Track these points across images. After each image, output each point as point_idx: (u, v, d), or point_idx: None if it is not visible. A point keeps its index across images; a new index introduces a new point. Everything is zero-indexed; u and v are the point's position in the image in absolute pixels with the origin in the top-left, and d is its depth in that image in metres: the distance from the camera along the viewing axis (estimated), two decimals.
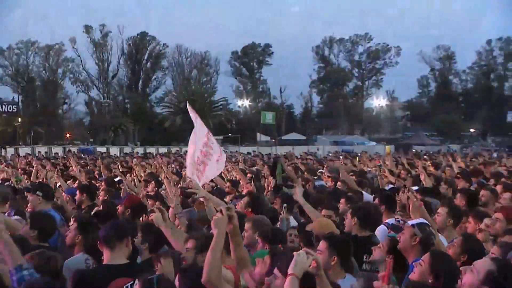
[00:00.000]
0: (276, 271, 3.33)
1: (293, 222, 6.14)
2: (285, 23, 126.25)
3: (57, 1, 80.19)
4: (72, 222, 5.57)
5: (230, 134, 64.48)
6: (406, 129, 79.82)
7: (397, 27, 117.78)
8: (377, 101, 77.39)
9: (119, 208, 7.23)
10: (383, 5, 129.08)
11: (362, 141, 64.87)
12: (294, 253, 3.07)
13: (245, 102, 71.93)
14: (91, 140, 67.35)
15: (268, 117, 62.52)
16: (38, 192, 7.27)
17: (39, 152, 38.60)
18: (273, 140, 64.13)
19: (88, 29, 72.72)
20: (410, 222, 4.74)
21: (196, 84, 77.15)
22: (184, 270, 3.58)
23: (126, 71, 77.36)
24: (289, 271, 2.96)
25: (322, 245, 3.96)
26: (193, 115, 7.22)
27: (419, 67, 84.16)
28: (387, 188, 9.68)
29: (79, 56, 74.04)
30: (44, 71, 75.16)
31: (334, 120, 79.18)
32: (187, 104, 8.02)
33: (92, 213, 6.81)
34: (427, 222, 4.78)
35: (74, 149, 44.17)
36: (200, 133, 7.32)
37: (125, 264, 4.12)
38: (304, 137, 68.72)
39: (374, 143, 62.46)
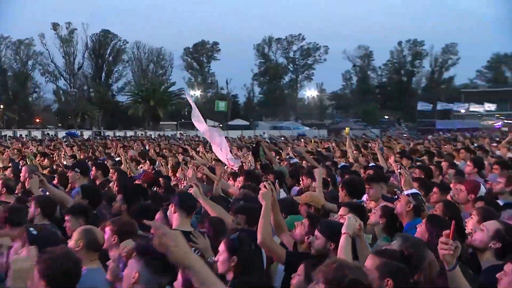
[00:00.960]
0: (317, 232, 3.72)
1: (283, 194, 6.72)
2: (231, 23, 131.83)
3: None
4: (117, 194, 6.07)
5: (183, 120, 67.54)
6: (332, 116, 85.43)
7: (325, 29, 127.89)
8: (309, 92, 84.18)
9: (137, 182, 7.66)
10: (316, 9, 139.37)
11: (296, 126, 68.96)
12: (345, 216, 3.54)
13: (197, 92, 73.79)
14: (60, 124, 68.45)
15: (221, 106, 66.96)
16: (76, 169, 7.75)
17: (20, 135, 40.19)
18: (221, 125, 66.37)
19: (55, 26, 75.84)
20: (405, 192, 5.18)
21: (153, 76, 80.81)
22: (242, 231, 3.84)
23: (91, 64, 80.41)
24: (343, 230, 3.32)
25: (343, 211, 4.17)
26: (192, 104, 9.18)
27: (343, 63, 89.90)
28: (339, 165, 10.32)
29: (47, 50, 76.80)
30: (15, 63, 77.54)
31: (272, 108, 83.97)
32: (186, 95, 11.21)
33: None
34: (419, 192, 5.31)
35: (61, 133, 45.69)
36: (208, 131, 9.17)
37: (189, 231, 4.16)
38: (247, 123, 72.11)
39: (307, 127, 65.73)
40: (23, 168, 8.26)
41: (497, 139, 22.23)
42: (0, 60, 77.02)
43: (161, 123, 69.09)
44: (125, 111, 72.49)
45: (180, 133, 47.41)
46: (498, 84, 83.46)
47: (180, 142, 27.12)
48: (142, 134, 45.30)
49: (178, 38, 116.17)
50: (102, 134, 45.32)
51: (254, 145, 13.23)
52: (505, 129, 51.39)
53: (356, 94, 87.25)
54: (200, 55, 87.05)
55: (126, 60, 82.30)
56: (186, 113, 71.48)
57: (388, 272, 2.75)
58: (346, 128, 39.36)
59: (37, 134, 43.78)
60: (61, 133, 45.33)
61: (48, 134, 43.44)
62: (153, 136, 40.54)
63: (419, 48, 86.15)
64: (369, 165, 9.36)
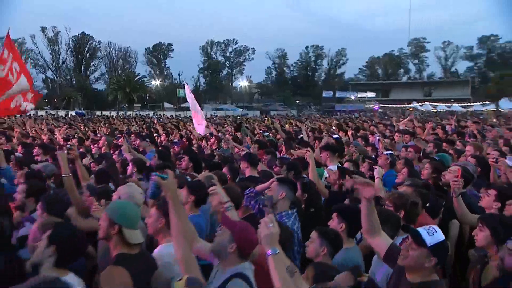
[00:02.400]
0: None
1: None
2: (182, 28, 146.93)
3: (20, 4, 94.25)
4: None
5: (145, 103, 76.41)
6: (258, 101, 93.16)
7: (253, 35, 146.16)
8: (241, 83, 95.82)
9: (176, 148, 8.46)
10: (246, 19, 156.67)
11: (233, 108, 76.40)
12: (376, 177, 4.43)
13: (156, 82, 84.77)
14: (48, 106, 69.97)
15: (181, 92, 69.91)
16: (146, 139, 8.67)
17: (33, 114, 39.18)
18: (175, 107, 75.47)
19: (43, 29, 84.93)
20: (385, 153, 6.46)
21: (126, 69, 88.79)
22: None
23: (72, 59, 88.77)
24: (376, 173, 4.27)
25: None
26: (188, 91, 11.02)
27: (266, 61, 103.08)
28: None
29: (37, 47, 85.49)
30: None
31: (214, 94, 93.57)
32: (185, 85, 12.24)
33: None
34: (392, 152, 6.70)
35: (72, 112, 50.05)
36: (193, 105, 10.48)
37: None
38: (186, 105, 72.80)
39: (240, 109, 72.65)
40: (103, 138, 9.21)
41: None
42: None
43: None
44: (99, 95, 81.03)
45: (154, 113, 52.83)
46: (373, 78, 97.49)
47: (161, 120, 28.70)
48: (122, 114, 48.81)
49: (141, 39, 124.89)
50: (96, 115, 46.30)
51: (236, 124, 14.92)
52: (381, 110, 63.19)
53: (275, 84, 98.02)
54: (158, 53, 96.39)
55: (100, 57, 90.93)
56: (147, 97, 79.76)
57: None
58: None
59: (41, 113, 45.59)
60: (62, 113, 48.54)
61: (50, 113, 45.60)
62: (131, 116, 43.04)
63: (320, 51, 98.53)
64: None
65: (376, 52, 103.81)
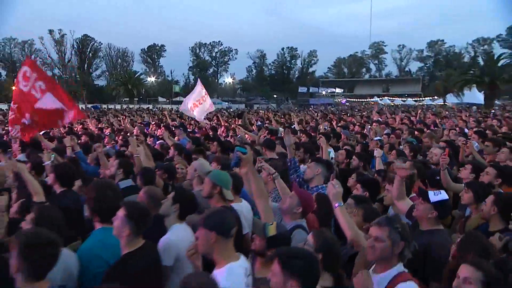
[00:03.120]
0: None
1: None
2: (174, 31, 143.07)
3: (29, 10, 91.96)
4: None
5: (141, 97, 73.42)
6: (240, 95, 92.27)
7: (236, 37, 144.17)
8: (226, 79, 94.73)
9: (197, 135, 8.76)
10: (230, 23, 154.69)
11: (219, 101, 69.48)
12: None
13: (151, 79, 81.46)
14: None
15: (177, 88, 78.07)
16: (180, 128, 9.15)
17: None
18: (168, 100, 73.72)
19: (51, 31, 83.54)
20: (375, 138, 7.11)
21: (121, 68, 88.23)
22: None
23: (77, 59, 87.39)
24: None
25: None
26: (200, 86, 11.14)
27: (247, 61, 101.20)
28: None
29: (45, 48, 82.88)
30: (22, 57, 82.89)
31: None
32: (198, 80, 12.27)
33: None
34: (381, 138, 7.27)
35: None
36: (198, 94, 10.58)
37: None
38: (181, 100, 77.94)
39: (225, 103, 68.97)
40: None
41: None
42: (11, 55, 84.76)
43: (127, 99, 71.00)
44: (100, 91, 78.75)
45: (153, 106, 52.33)
46: (340, 76, 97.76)
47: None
48: (127, 107, 48.06)
49: (137, 41, 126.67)
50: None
51: (239, 113, 15.07)
52: (348, 104, 63.88)
53: (255, 81, 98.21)
54: (152, 53, 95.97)
55: (101, 56, 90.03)
56: (143, 92, 76.55)
57: None
58: None
59: None
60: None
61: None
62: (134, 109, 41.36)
63: (294, 52, 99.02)
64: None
65: (342, 53, 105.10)
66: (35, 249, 2.19)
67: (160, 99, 77.48)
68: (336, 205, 3.08)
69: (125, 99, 73.95)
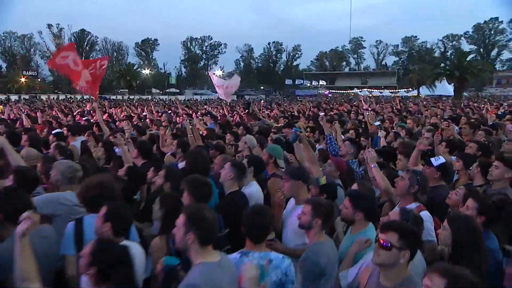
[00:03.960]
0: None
1: None
2: (166, 26, 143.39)
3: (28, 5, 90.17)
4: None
5: (135, 88, 71.41)
6: None
7: (225, 32, 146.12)
8: (216, 72, 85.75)
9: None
10: (220, 19, 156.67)
11: (210, 92, 71.43)
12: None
13: (146, 71, 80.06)
14: (56, 91, 70.23)
15: (173, 80, 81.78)
16: (208, 114, 10.25)
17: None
18: (161, 91, 75.54)
19: (49, 26, 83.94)
20: (375, 124, 7.66)
21: (117, 61, 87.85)
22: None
23: None
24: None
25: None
26: (213, 77, 12.62)
27: (236, 54, 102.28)
28: None
29: (44, 41, 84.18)
30: (21, 50, 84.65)
31: (193, 81, 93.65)
32: (210, 73, 15.03)
33: None
34: (380, 123, 8.14)
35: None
36: (218, 82, 11.91)
37: None
38: (178, 90, 78.17)
39: (216, 94, 68.86)
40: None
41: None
42: (11, 48, 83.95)
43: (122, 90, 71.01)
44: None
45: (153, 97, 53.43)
46: (322, 69, 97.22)
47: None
48: (128, 97, 50.35)
49: (131, 35, 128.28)
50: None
51: (246, 103, 15.09)
52: (330, 95, 62.60)
53: (243, 73, 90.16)
54: (146, 47, 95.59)
55: (98, 49, 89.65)
56: (138, 83, 75.72)
57: None
58: None
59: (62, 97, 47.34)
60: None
61: (76, 97, 46.43)
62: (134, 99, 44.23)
63: (279, 46, 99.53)
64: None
65: (324, 48, 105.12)
66: (203, 218, 2.30)
67: (154, 90, 77.57)
68: (372, 166, 4.06)
69: (121, 90, 73.42)
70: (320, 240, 2.90)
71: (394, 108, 15.03)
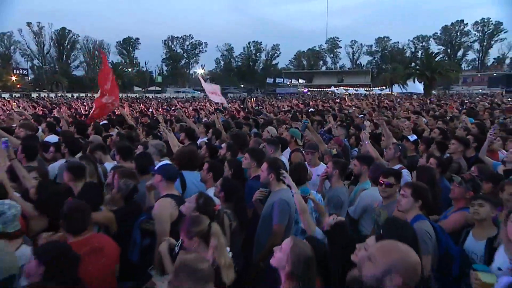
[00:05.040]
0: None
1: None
2: (147, 25, 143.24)
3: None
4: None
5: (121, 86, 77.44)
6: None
7: (206, 31, 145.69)
8: (198, 70, 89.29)
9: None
10: (201, 18, 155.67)
11: (191, 90, 76.06)
12: None
13: (129, 70, 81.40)
14: (37, 89, 68.11)
15: (159, 79, 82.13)
16: (217, 111, 10.81)
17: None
18: (143, 89, 75.70)
19: (29, 24, 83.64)
20: (360, 116, 10.90)
21: (98, 59, 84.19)
22: None
23: (55, 50, 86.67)
24: None
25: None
26: (202, 82, 12.77)
27: (216, 53, 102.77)
28: None
29: (24, 39, 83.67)
30: (1, 47, 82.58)
31: (174, 80, 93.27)
32: (201, 80, 13.44)
33: None
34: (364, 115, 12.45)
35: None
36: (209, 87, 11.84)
37: None
38: (160, 89, 79.42)
39: (198, 92, 69.64)
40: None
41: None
42: None
43: None
44: (79, 80, 78.59)
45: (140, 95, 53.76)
46: (299, 68, 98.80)
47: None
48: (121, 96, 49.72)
49: (113, 33, 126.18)
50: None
51: (241, 100, 16.35)
52: (309, 93, 66.08)
53: (223, 72, 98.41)
54: (128, 45, 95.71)
55: (79, 48, 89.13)
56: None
57: None
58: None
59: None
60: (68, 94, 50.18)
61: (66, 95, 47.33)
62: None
63: (259, 46, 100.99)
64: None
65: (302, 47, 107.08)
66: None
67: (136, 88, 77.81)
68: (367, 142, 5.80)
69: None
70: (337, 186, 4.60)
71: (373, 104, 17.00)
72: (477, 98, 24.75)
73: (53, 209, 2.93)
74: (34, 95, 48.12)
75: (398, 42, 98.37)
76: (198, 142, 6.81)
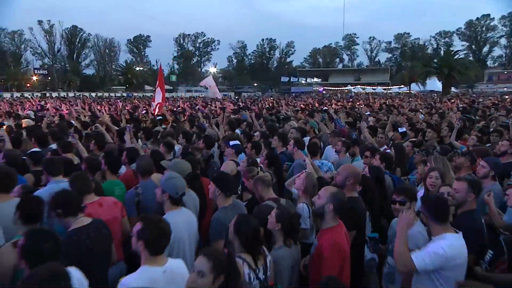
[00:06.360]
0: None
1: None
2: (159, 22, 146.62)
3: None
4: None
5: (127, 86, 72.89)
6: (224, 84, 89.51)
7: (218, 28, 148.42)
8: (210, 69, 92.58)
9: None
10: (212, 15, 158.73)
11: (204, 90, 66.72)
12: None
13: (138, 68, 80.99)
14: (48, 88, 69.96)
15: (173, 78, 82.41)
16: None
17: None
18: (154, 89, 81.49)
19: (40, 22, 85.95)
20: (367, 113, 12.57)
21: (109, 57, 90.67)
22: None
23: (66, 48, 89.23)
24: None
25: None
26: (206, 80, 16.50)
27: (229, 51, 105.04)
28: None
29: (35, 38, 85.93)
30: (12, 47, 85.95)
31: (186, 78, 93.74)
32: (205, 82, 15.57)
33: None
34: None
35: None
36: (210, 82, 15.68)
37: None
38: (172, 88, 73.76)
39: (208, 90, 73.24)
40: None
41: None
42: (1, 45, 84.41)
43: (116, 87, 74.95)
44: (89, 79, 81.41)
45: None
46: (315, 65, 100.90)
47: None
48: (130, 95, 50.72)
49: (123, 31, 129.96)
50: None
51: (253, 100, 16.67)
52: (324, 92, 66.86)
53: (236, 70, 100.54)
54: (138, 43, 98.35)
55: (90, 46, 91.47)
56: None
57: None
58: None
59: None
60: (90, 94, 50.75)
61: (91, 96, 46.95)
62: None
63: (273, 43, 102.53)
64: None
65: (317, 44, 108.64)
66: None
67: (147, 87, 78.29)
68: (365, 131, 8.15)
69: (113, 87, 76.08)
70: (342, 158, 7.01)
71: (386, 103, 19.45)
72: (489, 98, 26.70)
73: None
74: (54, 94, 50.19)
75: (419, 38, 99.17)
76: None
